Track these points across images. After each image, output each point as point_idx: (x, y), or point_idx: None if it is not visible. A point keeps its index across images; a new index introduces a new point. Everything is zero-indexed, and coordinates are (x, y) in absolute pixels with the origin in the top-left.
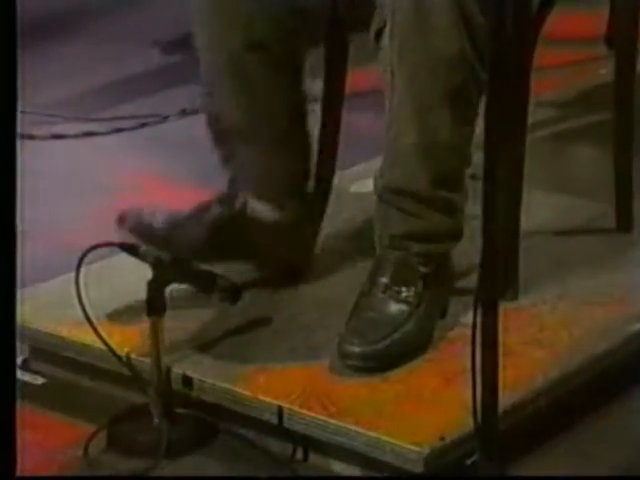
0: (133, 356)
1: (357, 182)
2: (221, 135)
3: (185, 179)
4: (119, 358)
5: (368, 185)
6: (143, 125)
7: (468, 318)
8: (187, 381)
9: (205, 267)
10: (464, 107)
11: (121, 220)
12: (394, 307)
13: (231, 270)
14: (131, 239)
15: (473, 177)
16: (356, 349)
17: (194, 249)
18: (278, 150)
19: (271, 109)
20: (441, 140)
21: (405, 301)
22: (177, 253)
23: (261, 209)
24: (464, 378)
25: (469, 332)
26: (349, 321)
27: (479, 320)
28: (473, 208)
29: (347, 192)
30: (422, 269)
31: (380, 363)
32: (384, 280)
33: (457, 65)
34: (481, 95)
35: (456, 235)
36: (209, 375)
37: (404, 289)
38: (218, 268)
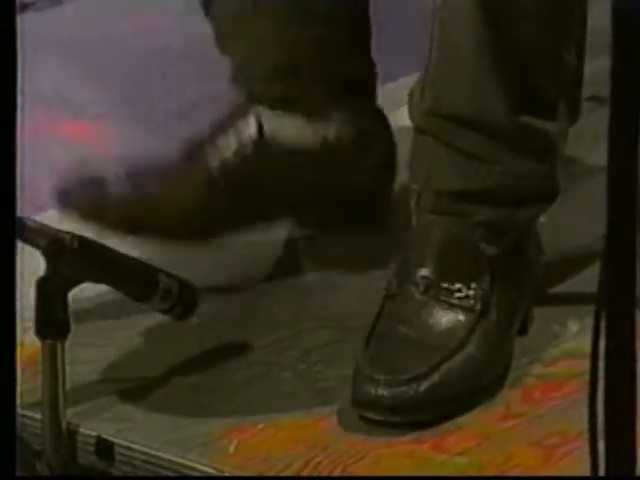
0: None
1: (393, 111)
2: None
3: (86, 102)
4: None
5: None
6: None
7: (581, 342)
8: (105, 449)
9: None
10: None
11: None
12: (444, 317)
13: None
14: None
15: (594, 99)
16: (382, 392)
17: (190, 218)
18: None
19: None
20: (522, 35)
21: (462, 306)
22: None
23: (289, 127)
24: (577, 446)
25: (582, 367)
26: (368, 343)
27: (602, 347)
28: (590, 152)
29: None
30: (490, 250)
31: (422, 415)
32: (425, 272)
33: None
34: None
35: (549, 191)
36: (143, 438)
37: (459, 286)
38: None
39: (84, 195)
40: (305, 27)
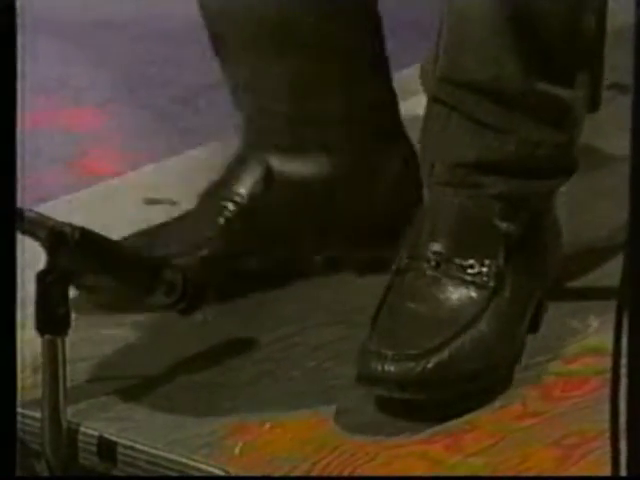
0: None
1: (409, 98)
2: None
3: (87, 88)
4: None
5: None
6: None
7: (603, 338)
8: (107, 448)
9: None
10: None
11: None
12: (455, 293)
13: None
14: None
15: (615, 87)
16: (389, 367)
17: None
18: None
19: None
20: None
21: (474, 282)
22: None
23: (292, 166)
24: (597, 446)
25: (604, 364)
26: (376, 319)
27: (625, 344)
28: (611, 141)
29: None
30: (505, 226)
31: (431, 393)
32: (437, 247)
33: None
34: None
35: (566, 163)
36: (146, 438)
37: (472, 262)
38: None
39: None
40: (323, 74)
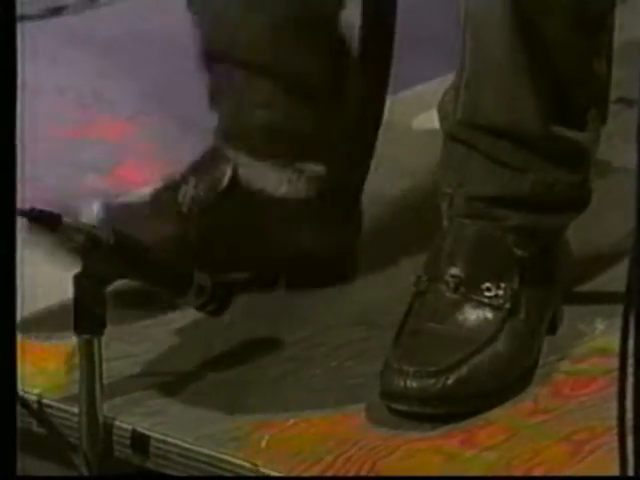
0: (49, 401)
1: (422, 112)
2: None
3: (121, 101)
4: (26, 404)
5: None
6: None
7: (611, 339)
8: (140, 442)
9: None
10: None
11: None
12: (473, 315)
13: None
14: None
15: (622, 101)
16: (411, 383)
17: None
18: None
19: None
20: (554, 43)
21: (491, 305)
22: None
23: (265, 177)
24: (605, 442)
25: (612, 364)
26: (398, 338)
27: (631, 346)
28: (618, 154)
29: (406, 129)
30: (520, 253)
31: (451, 408)
32: (455, 270)
33: None
34: None
35: (579, 200)
36: (177, 432)
37: (489, 285)
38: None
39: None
40: (300, 101)
